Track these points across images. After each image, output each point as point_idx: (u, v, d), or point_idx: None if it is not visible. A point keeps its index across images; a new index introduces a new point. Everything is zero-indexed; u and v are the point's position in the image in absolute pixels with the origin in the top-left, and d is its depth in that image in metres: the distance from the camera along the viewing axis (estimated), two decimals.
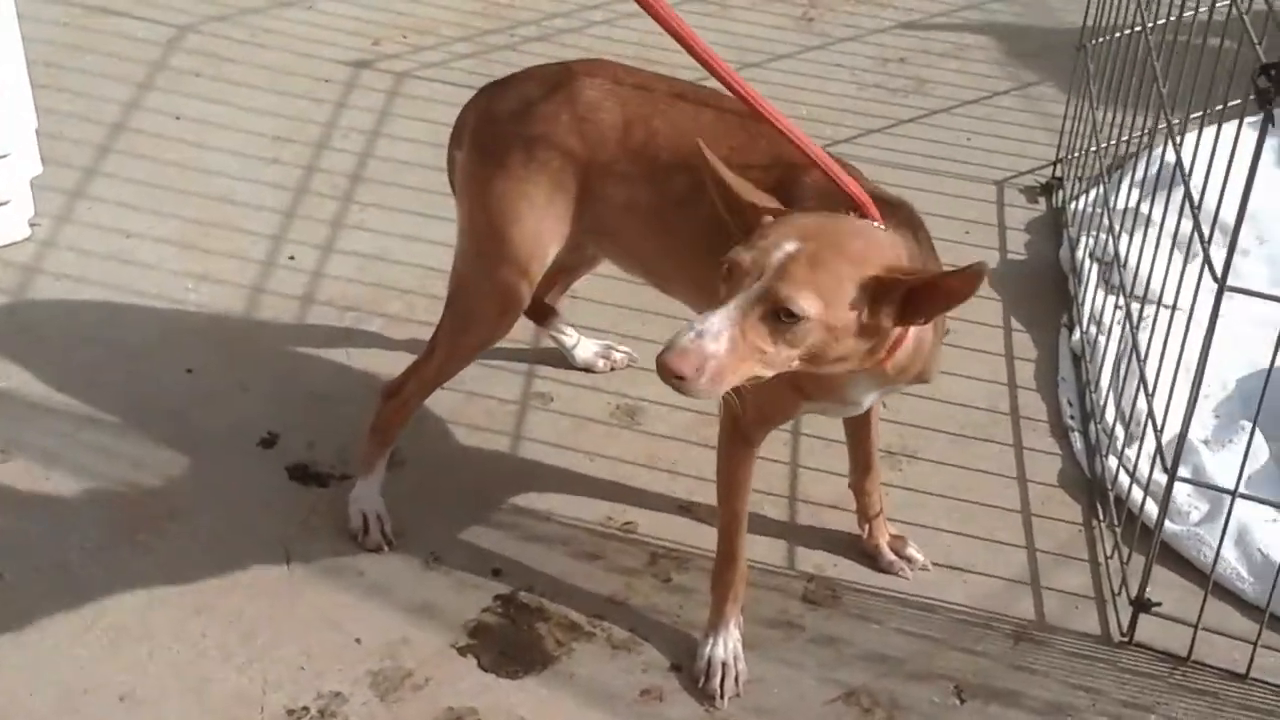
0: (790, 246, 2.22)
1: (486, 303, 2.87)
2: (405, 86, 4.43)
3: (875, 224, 2.38)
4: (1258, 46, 2.56)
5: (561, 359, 3.45)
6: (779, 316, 2.21)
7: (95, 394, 3.31)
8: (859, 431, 2.97)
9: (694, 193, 2.63)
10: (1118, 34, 3.76)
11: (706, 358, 2.17)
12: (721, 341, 2.19)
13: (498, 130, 2.80)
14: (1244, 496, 2.80)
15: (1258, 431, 3.24)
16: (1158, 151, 3.91)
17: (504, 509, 3.10)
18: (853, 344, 2.28)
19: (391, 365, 3.33)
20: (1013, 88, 4.62)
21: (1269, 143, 2.55)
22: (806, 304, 2.19)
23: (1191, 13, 3.36)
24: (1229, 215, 2.59)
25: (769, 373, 2.26)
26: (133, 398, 3.30)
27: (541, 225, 2.78)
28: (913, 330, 2.38)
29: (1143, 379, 3.03)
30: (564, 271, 3.21)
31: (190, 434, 3.22)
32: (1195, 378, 2.69)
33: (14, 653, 2.75)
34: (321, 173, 4.04)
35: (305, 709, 2.69)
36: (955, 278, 2.24)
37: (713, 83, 2.43)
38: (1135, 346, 3.13)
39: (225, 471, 3.14)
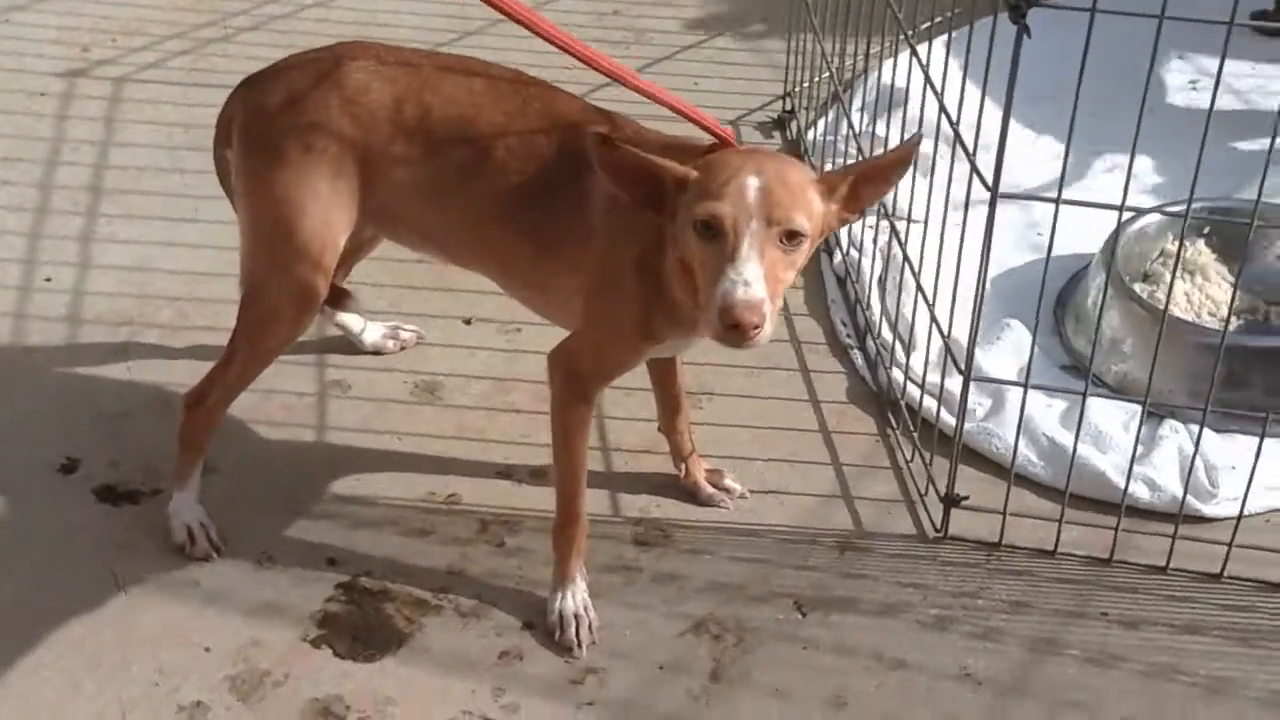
0: (755, 182, 2.34)
1: (284, 300, 2.84)
2: (125, 91, 4.33)
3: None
4: None
5: (350, 346, 3.45)
6: (783, 242, 2.34)
7: None
8: (665, 376, 3.06)
9: (477, 162, 2.68)
10: None
11: (762, 303, 2.29)
12: (763, 283, 2.31)
13: (269, 123, 2.77)
14: (1035, 387, 3.01)
15: (1020, 325, 3.48)
16: (875, 76, 4.11)
17: (325, 500, 3.10)
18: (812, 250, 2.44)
19: (178, 374, 3.29)
20: (727, 29, 4.76)
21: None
22: (802, 221, 2.34)
23: None
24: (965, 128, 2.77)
25: (779, 301, 2.37)
26: None
27: (329, 213, 2.78)
28: None
29: (919, 289, 3.21)
30: (346, 255, 3.21)
31: None
32: (980, 279, 2.86)
33: None
34: (58, 189, 3.91)
35: None
36: (893, 156, 2.48)
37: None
38: (907, 259, 3.30)
39: (31, 504, 3.05)
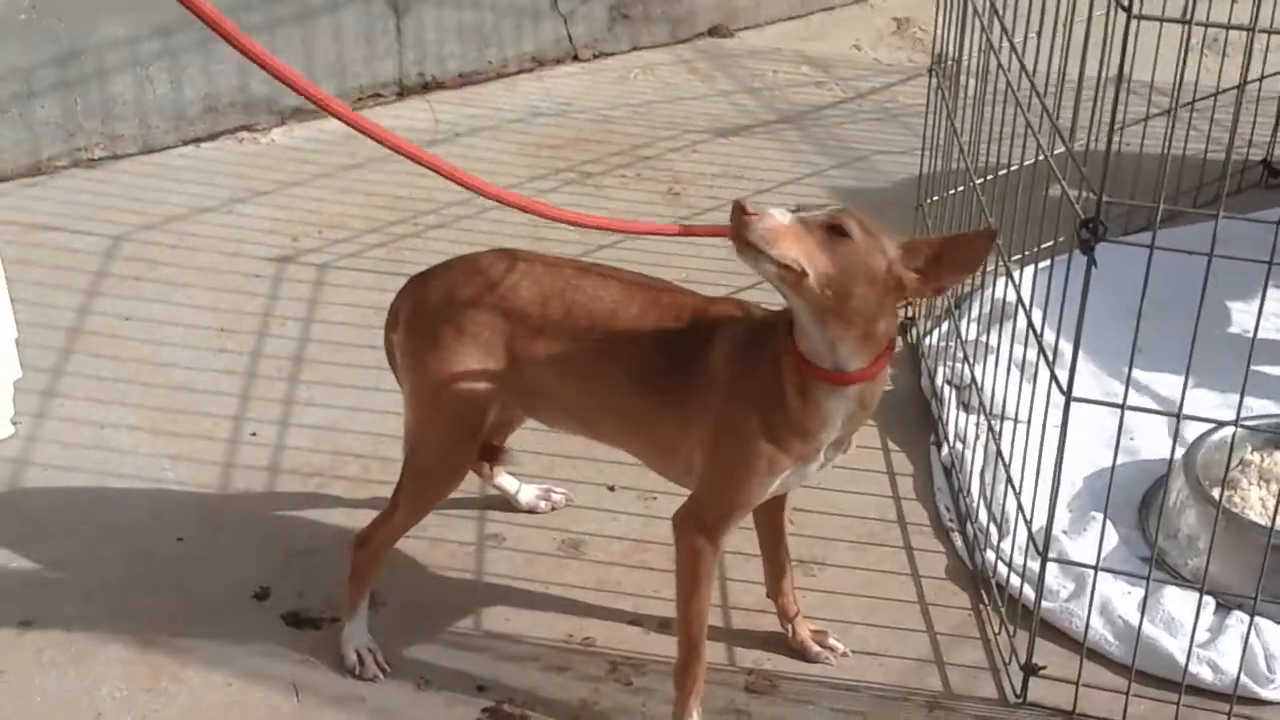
0: (845, 212, 2.83)
1: (439, 461, 3.34)
2: (327, 276, 4.93)
3: None
4: (1075, 205, 3.16)
5: (507, 504, 3.92)
6: (831, 232, 2.78)
7: (97, 568, 3.69)
8: (772, 541, 3.46)
9: (614, 345, 3.17)
10: (950, 192, 4.45)
11: (767, 217, 2.75)
12: (784, 218, 2.77)
13: (430, 312, 3.27)
14: (1104, 570, 3.39)
15: (1106, 520, 3.85)
16: (988, 291, 4.57)
17: (477, 635, 3.55)
18: (871, 297, 2.84)
19: (358, 520, 3.77)
20: None
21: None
22: (854, 229, 2.80)
23: (1013, 168, 4.02)
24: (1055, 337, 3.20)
25: (801, 263, 2.77)
26: (133, 567, 3.70)
27: (476, 388, 3.25)
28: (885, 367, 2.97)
29: (1009, 480, 3.62)
30: (499, 427, 3.69)
31: (190, 595, 3.62)
32: (1055, 474, 3.26)
33: None
34: (266, 358, 4.49)
35: None
36: (973, 234, 2.90)
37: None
38: (1000, 454, 3.72)
39: (228, 624, 3.54)
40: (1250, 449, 3.98)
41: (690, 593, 3.20)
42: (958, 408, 4.26)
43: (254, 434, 4.19)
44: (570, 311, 3.22)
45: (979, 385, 4.07)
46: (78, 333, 4.60)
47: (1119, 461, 4.09)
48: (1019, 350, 4.27)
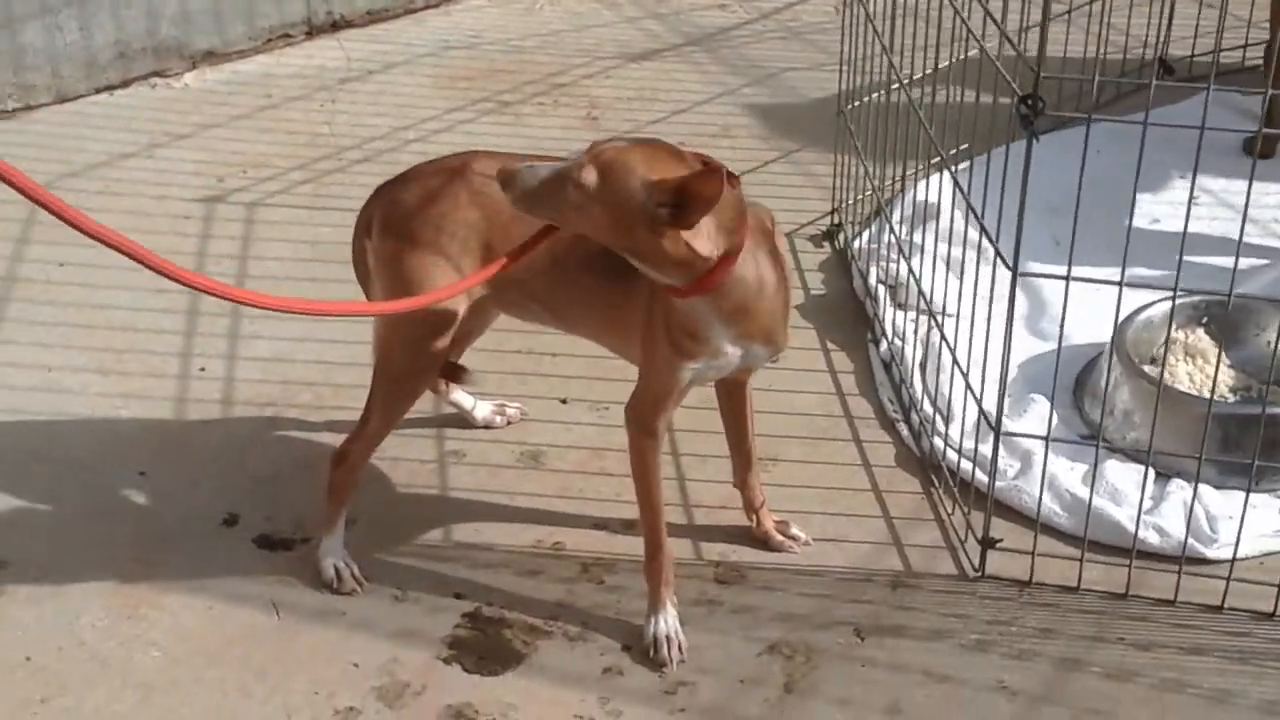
0: (604, 148, 2.90)
1: (412, 362, 3.38)
2: (257, 214, 4.93)
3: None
4: (1013, 84, 3.27)
5: (463, 421, 3.99)
6: (571, 187, 2.88)
7: (61, 506, 3.71)
8: (737, 435, 3.55)
9: (583, 237, 3.22)
10: (868, 98, 4.56)
11: (515, 170, 2.93)
12: (532, 169, 2.92)
13: (407, 215, 3.31)
14: (1055, 440, 3.54)
15: (1043, 399, 4.00)
16: (910, 194, 4.70)
17: (449, 547, 3.62)
18: (646, 240, 2.91)
19: (317, 445, 3.85)
20: (779, 156, 5.36)
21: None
22: (588, 177, 2.86)
23: (944, 64, 4.15)
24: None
25: (560, 220, 2.97)
26: (97, 503, 3.71)
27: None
28: (736, 269, 3.00)
29: (955, 363, 3.74)
30: (463, 336, 3.75)
31: (158, 525, 3.65)
32: (1005, 347, 3.38)
33: (62, 716, 3.15)
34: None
35: None
36: (704, 173, 2.87)
37: None
38: (944, 340, 3.84)
39: (200, 551, 3.58)
40: (1175, 326, 4.13)
41: (639, 482, 3.30)
42: (892, 305, 4.39)
43: (203, 369, 4.20)
44: None
45: (918, 278, 4.19)
46: (12, 280, 4.58)
47: (1049, 348, 4.24)
48: (944, 247, 4.42)
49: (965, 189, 3.65)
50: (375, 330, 3.43)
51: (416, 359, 3.37)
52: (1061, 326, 3.50)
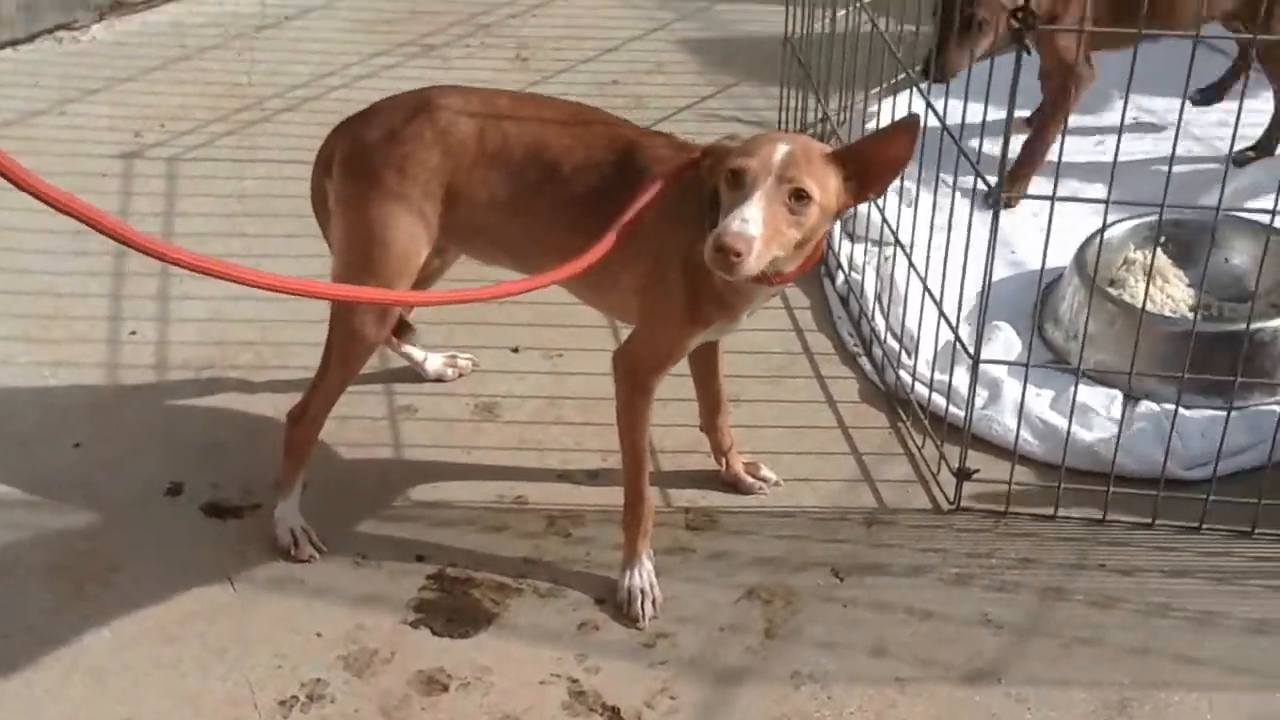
0: (784, 147, 2.74)
1: (367, 315, 3.21)
2: (179, 169, 4.74)
3: None
4: None
5: (415, 375, 3.84)
6: (790, 199, 2.72)
7: None
8: (707, 378, 3.44)
9: (548, 178, 3.08)
10: (817, 27, 4.44)
11: (752, 239, 2.67)
12: (759, 225, 2.68)
13: (369, 153, 3.15)
14: (1035, 366, 3.47)
15: (1009, 327, 3.91)
16: (859, 125, 4.58)
17: (408, 506, 3.48)
18: (825, 224, 2.82)
19: (260, 406, 3.69)
20: (717, 90, 5.23)
21: None
22: (810, 185, 2.73)
23: None
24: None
25: (783, 254, 2.76)
26: (33, 478, 3.53)
27: (416, 229, 3.14)
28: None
29: (928, 292, 3.63)
30: (422, 281, 3.61)
31: (100, 499, 3.48)
32: (986, 272, 3.29)
33: (10, 703, 2.98)
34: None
35: (295, 698, 3.00)
36: (891, 132, 2.81)
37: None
38: (915, 270, 3.73)
39: (146, 522, 3.42)
40: (1132, 247, 4.06)
41: (625, 434, 3.17)
42: (843, 238, 4.28)
43: (133, 333, 4.02)
44: (506, 146, 3.12)
45: (881, 209, 4.08)
46: None
47: (1006, 274, 4.16)
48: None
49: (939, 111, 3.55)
50: (334, 271, 3.26)
51: (373, 310, 3.21)
52: (1045, 247, 3.39)
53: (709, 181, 2.85)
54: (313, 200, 3.35)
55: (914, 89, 3.69)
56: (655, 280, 3.05)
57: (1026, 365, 3.42)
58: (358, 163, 3.16)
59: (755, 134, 2.92)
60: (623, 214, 2.91)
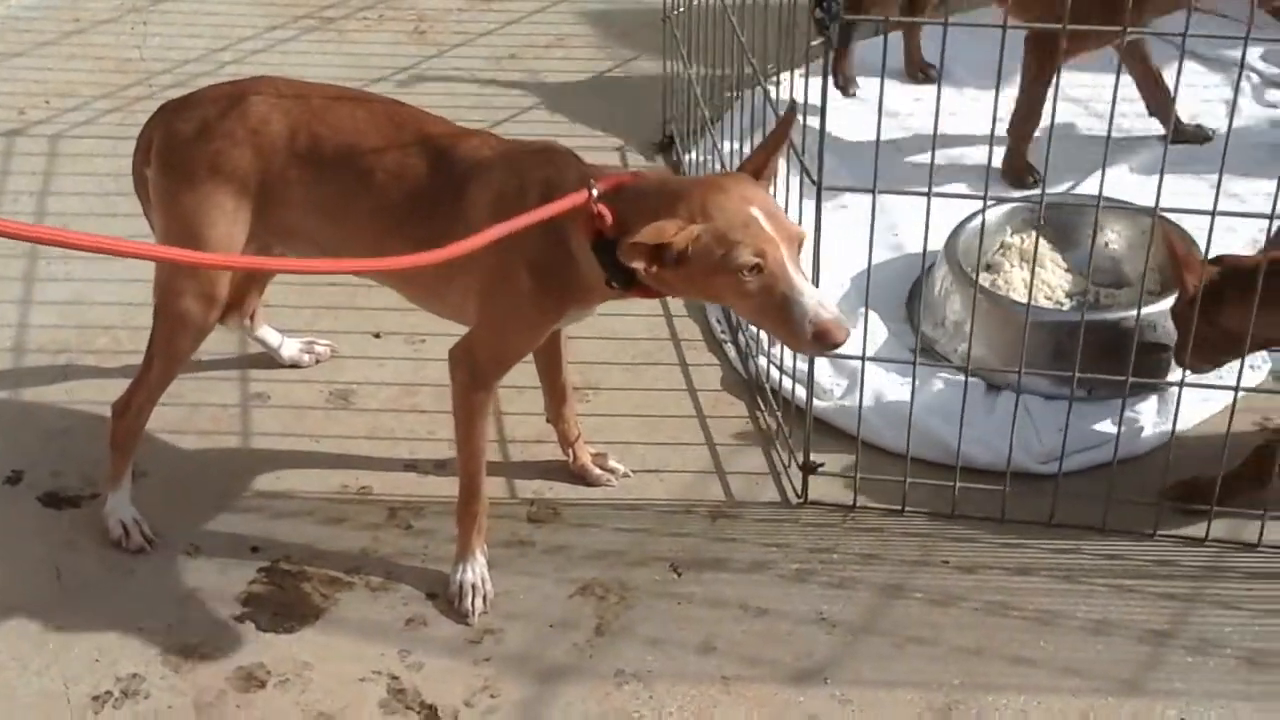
0: (760, 213, 2.67)
1: (193, 302, 3.16)
2: (60, 147, 4.68)
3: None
4: None
5: (270, 360, 3.79)
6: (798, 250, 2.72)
7: None
8: (551, 370, 3.39)
9: (362, 183, 3.02)
10: (695, 2, 4.35)
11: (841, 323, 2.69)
12: (835, 308, 2.71)
13: (182, 149, 3.10)
14: (871, 360, 3.40)
15: (874, 315, 3.85)
16: (743, 102, 4.50)
17: (248, 496, 3.43)
18: None
19: (113, 393, 3.59)
20: (616, 64, 5.16)
21: None
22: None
23: None
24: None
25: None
26: None
27: (232, 230, 3.09)
28: None
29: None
30: (262, 279, 3.57)
31: None
32: (813, 267, 3.22)
33: None
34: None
35: (109, 693, 2.97)
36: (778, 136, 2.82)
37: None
38: None
39: None
40: (1010, 231, 4.00)
41: (463, 430, 3.12)
42: None
43: None
44: (316, 145, 3.06)
45: None
46: None
47: (887, 257, 4.09)
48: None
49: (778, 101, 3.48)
50: (156, 267, 3.22)
51: (198, 298, 3.17)
52: (871, 233, 3.31)
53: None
54: (135, 184, 3.29)
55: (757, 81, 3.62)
56: (498, 280, 2.96)
57: (863, 358, 3.37)
58: (171, 156, 3.11)
59: (697, 198, 2.71)
60: (525, 218, 2.74)
